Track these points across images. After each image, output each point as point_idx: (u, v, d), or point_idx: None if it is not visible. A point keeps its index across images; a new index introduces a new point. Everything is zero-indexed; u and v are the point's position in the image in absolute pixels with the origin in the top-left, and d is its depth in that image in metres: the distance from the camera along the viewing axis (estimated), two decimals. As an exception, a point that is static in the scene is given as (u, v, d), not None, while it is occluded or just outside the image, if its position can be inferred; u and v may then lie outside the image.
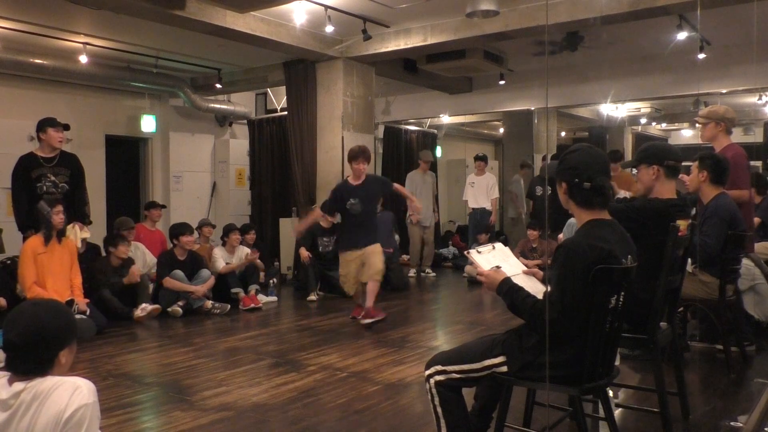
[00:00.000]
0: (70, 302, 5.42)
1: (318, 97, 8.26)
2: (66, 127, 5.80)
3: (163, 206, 7.97)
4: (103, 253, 6.52)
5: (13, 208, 5.76)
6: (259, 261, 7.28)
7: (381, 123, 11.35)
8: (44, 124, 5.69)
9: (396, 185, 6.20)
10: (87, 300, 5.66)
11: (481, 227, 9.21)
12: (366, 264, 5.69)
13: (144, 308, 6.13)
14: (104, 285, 6.10)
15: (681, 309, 4.25)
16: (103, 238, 6.65)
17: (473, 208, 9.55)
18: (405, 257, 9.44)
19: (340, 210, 5.86)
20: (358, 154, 5.78)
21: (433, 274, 9.37)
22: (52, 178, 5.66)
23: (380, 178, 6.42)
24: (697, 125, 4.71)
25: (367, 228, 5.79)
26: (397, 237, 8.45)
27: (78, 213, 5.86)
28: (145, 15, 6.14)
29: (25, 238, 5.58)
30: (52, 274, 5.46)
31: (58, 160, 5.73)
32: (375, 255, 5.70)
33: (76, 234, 5.73)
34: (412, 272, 9.26)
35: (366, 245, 5.72)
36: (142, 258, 6.78)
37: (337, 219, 6.43)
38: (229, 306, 6.62)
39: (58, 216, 5.40)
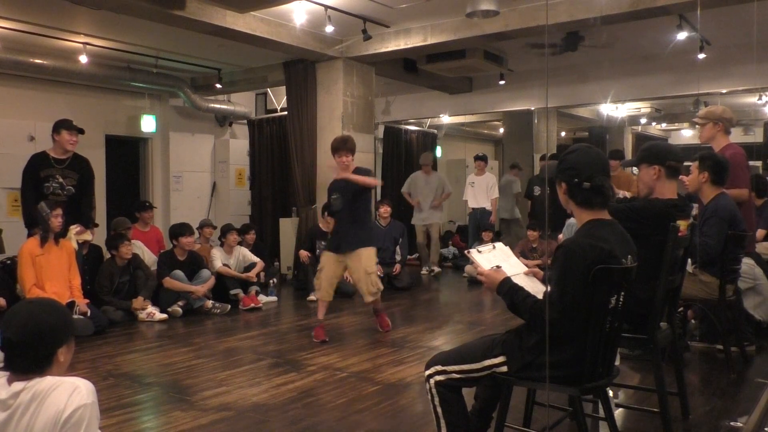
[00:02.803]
0: (71, 304, 5.42)
1: (318, 97, 8.26)
2: (80, 131, 5.82)
3: (154, 206, 7.94)
4: (105, 255, 6.52)
5: (21, 206, 5.78)
6: (260, 261, 7.26)
7: (381, 123, 11.35)
8: (59, 126, 5.72)
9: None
10: (87, 300, 5.67)
11: (482, 227, 9.21)
12: (357, 278, 5.22)
13: (151, 314, 6.13)
14: (109, 289, 6.13)
15: (681, 309, 4.25)
16: (104, 240, 6.65)
17: (473, 208, 9.57)
18: (410, 257, 9.50)
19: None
20: (339, 146, 5.12)
21: (438, 269, 9.44)
22: (60, 179, 5.67)
23: (364, 169, 5.49)
24: (696, 125, 4.72)
25: (350, 230, 5.16)
26: (398, 256, 8.28)
27: (84, 217, 5.87)
28: (145, 15, 6.14)
29: (30, 235, 5.59)
30: (51, 276, 5.46)
31: (69, 162, 5.76)
32: (362, 271, 5.14)
33: (72, 236, 5.72)
34: (424, 270, 9.39)
35: (349, 249, 5.15)
36: (141, 256, 6.76)
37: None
38: (229, 306, 6.61)
39: (56, 219, 5.40)
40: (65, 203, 5.63)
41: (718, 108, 4.59)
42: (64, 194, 5.68)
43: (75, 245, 5.75)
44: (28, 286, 5.35)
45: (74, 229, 5.74)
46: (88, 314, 5.52)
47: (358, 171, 5.21)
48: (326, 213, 7.37)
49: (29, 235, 5.60)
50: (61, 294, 5.40)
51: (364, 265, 5.17)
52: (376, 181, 5.39)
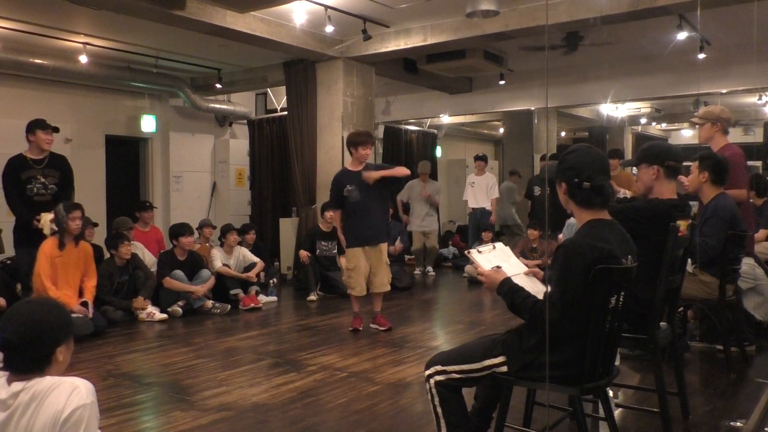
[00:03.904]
0: (86, 303, 5.43)
1: (318, 97, 8.26)
2: (55, 130, 5.78)
3: (154, 207, 7.93)
4: (106, 254, 6.52)
5: (9, 208, 5.72)
6: (260, 261, 7.26)
7: (381, 123, 11.36)
8: (33, 126, 5.65)
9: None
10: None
11: (482, 227, 9.21)
12: (373, 272, 5.46)
13: (151, 314, 6.13)
14: (109, 288, 6.12)
15: (681, 309, 4.25)
16: (104, 239, 6.65)
17: (473, 208, 9.57)
18: (408, 257, 9.54)
19: (342, 201, 5.42)
20: (366, 139, 5.39)
21: (433, 273, 9.46)
22: (42, 179, 5.62)
23: (383, 165, 5.70)
24: (695, 125, 4.73)
25: (372, 221, 5.36)
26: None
27: None
28: (145, 15, 6.14)
29: (20, 228, 5.55)
30: (66, 277, 5.44)
31: (47, 161, 5.69)
32: (382, 263, 5.45)
33: (47, 222, 5.63)
34: (417, 271, 9.41)
35: (374, 242, 5.39)
36: (141, 257, 6.76)
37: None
38: (229, 306, 6.62)
39: (74, 222, 5.36)
40: (51, 202, 5.55)
41: (717, 108, 4.59)
42: (48, 194, 5.60)
43: (48, 233, 5.55)
44: (47, 284, 5.25)
45: (48, 216, 5.63)
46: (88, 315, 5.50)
47: (379, 167, 5.48)
48: (326, 210, 7.38)
49: (20, 228, 5.55)
50: (72, 295, 5.40)
51: (384, 257, 5.52)
52: (407, 171, 5.55)
